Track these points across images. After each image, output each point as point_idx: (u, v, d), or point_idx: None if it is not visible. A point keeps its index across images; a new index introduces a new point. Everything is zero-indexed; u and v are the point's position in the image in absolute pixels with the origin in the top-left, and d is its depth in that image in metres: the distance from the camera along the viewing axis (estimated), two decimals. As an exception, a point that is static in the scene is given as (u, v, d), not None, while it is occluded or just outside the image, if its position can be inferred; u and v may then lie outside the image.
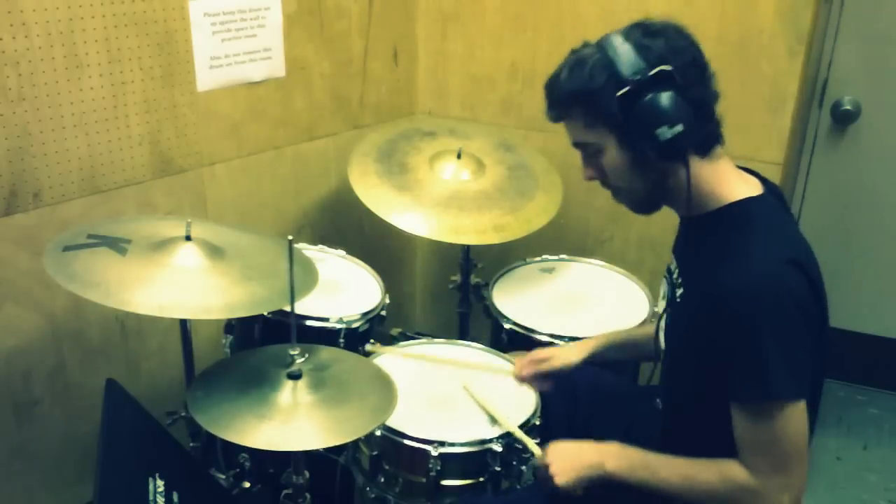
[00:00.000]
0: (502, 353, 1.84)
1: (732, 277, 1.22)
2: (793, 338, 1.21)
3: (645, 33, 1.26)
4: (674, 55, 1.25)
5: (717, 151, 1.31)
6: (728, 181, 1.32)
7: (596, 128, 1.30)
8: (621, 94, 1.23)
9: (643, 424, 1.57)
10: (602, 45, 1.28)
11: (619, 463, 1.36)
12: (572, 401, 1.70)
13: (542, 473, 1.42)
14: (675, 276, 1.43)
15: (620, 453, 1.38)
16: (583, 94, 1.28)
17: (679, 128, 1.22)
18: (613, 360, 1.77)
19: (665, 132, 1.22)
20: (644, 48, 1.24)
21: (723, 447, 1.31)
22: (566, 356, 1.73)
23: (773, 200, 1.34)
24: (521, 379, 1.74)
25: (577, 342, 1.78)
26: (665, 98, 1.22)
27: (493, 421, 1.59)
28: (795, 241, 1.28)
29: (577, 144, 1.37)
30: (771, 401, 1.21)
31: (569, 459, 1.40)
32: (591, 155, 1.35)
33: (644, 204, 1.38)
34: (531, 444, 1.51)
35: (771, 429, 1.22)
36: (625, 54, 1.24)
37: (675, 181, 1.31)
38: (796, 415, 1.21)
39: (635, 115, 1.23)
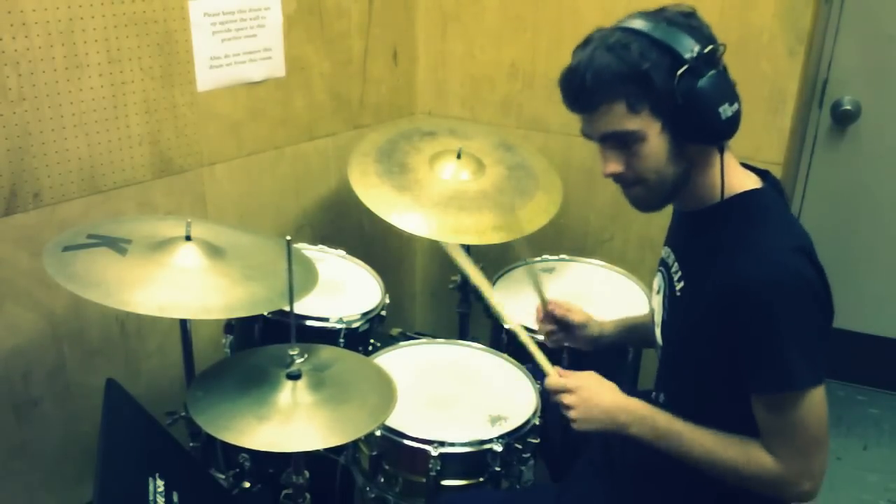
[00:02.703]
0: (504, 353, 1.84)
1: (748, 267, 1.21)
2: (809, 326, 1.21)
3: (682, 14, 1.24)
4: (712, 36, 1.24)
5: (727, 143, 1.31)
6: (734, 174, 1.31)
7: (641, 113, 1.23)
8: (682, 72, 1.18)
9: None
10: (631, 29, 1.22)
11: (642, 429, 1.35)
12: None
13: (555, 399, 1.38)
14: (673, 269, 1.42)
15: (645, 419, 1.35)
16: (631, 75, 1.20)
17: (736, 105, 1.21)
18: (627, 344, 1.78)
19: (727, 110, 1.20)
20: (689, 27, 1.22)
21: None
22: (588, 323, 1.71)
23: (775, 194, 1.34)
24: (548, 314, 1.71)
25: (600, 321, 1.76)
26: (723, 75, 1.21)
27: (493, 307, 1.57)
28: (801, 232, 1.29)
29: (610, 136, 1.27)
30: (792, 391, 1.21)
31: (593, 408, 1.37)
32: (622, 145, 1.27)
33: (663, 197, 1.32)
34: (547, 365, 1.46)
35: (792, 417, 1.22)
36: (673, 33, 1.20)
37: (697, 173, 1.29)
38: (817, 402, 1.22)
39: (696, 93, 1.18)
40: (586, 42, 1.27)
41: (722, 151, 1.26)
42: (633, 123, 1.24)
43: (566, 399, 1.38)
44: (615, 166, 1.29)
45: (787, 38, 2.11)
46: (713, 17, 2.14)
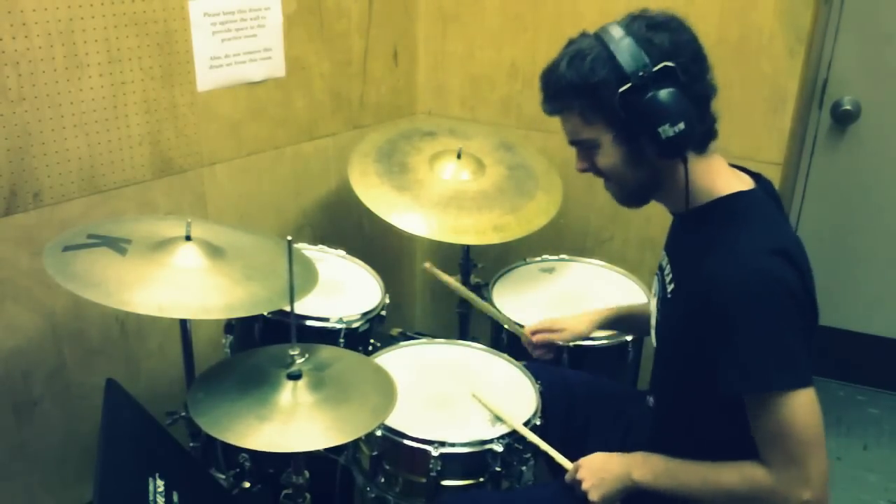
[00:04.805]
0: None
1: (718, 269, 1.22)
2: (783, 326, 1.20)
3: (648, 26, 1.24)
4: (676, 50, 1.24)
5: (711, 146, 1.31)
6: (719, 177, 1.32)
7: (594, 123, 1.29)
8: (624, 91, 1.21)
9: (639, 428, 1.57)
10: (602, 38, 1.26)
11: (644, 472, 1.36)
12: (569, 403, 1.70)
13: (577, 489, 1.42)
14: (665, 272, 1.44)
15: (644, 462, 1.38)
16: (582, 87, 1.26)
17: (681, 126, 1.21)
18: (620, 331, 1.81)
19: (667, 130, 1.21)
20: (647, 42, 1.22)
21: (712, 444, 1.31)
22: (576, 327, 1.77)
23: (764, 196, 1.33)
24: (532, 345, 1.77)
25: (586, 312, 1.80)
26: (668, 96, 1.20)
27: (511, 429, 1.57)
28: (784, 234, 1.28)
29: (572, 142, 1.36)
30: (768, 392, 1.20)
31: (599, 473, 1.40)
32: (586, 149, 1.34)
33: (632, 197, 1.37)
34: (561, 458, 1.50)
35: (777, 421, 1.21)
36: (627, 49, 1.22)
37: (668, 177, 1.31)
38: (802, 405, 1.20)
39: (637, 112, 1.22)
40: (569, 43, 1.31)
41: (686, 161, 1.26)
42: (587, 132, 1.31)
43: (579, 476, 1.42)
44: (582, 164, 1.38)
45: (787, 38, 2.11)
46: (713, 17, 2.17)
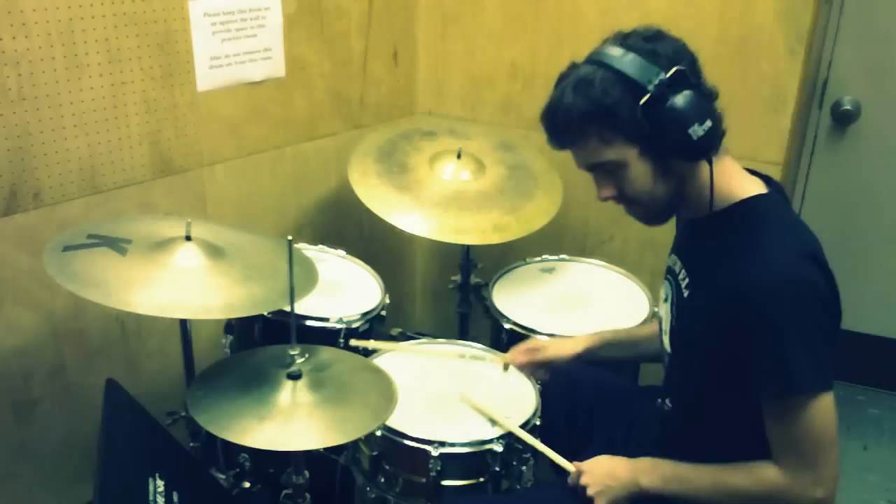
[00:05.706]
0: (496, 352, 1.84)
1: (753, 272, 1.22)
2: (814, 330, 1.21)
3: (645, 38, 1.25)
4: (678, 55, 1.24)
5: (722, 148, 1.31)
6: (735, 179, 1.32)
7: (615, 144, 1.27)
8: (645, 102, 1.20)
9: (644, 425, 1.57)
10: (599, 61, 1.25)
11: (652, 478, 1.37)
12: (572, 401, 1.69)
13: (580, 491, 1.42)
14: (680, 276, 1.43)
15: (651, 468, 1.38)
16: (598, 111, 1.24)
17: (709, 123, 1.22)
18: (610, 358, 1.75)
19: (697, 130, 1.21)
20: (651, 53, 1.23)
21: (728, 446, 1.31)
22: (560, 348, 1.72)
23: (780, 199, 1.34)
24: (517, 366, 1.73)
25: (574, 337, 1.77)
26: (689, 97, 1.21)
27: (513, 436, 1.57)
28: (809, 237, 1.29)
29: (593, 167, 1.33)
30: (796, 395, 1.21)
31: (605, 479, 1.40)
32: (609, 172, 1.32)
33: (662, 213, 1.36)
34: (563, 461, 1.50)
35: (799, 424, 1.22)
36: (634, 63, 1.22)
37: (691, 183, 1.30)
38: (823, 408, 1.21)
39: (663, 119, 1.21)
40: (561, 78, 1.31)
41: (710, 162, 1.26)
42: (610, 153, 1.28)
43: (583, 482, 1.42)
44: (607, 191, 1.35)
45: (787, 38, 2.11)
46: (713, 17, 2.16)
